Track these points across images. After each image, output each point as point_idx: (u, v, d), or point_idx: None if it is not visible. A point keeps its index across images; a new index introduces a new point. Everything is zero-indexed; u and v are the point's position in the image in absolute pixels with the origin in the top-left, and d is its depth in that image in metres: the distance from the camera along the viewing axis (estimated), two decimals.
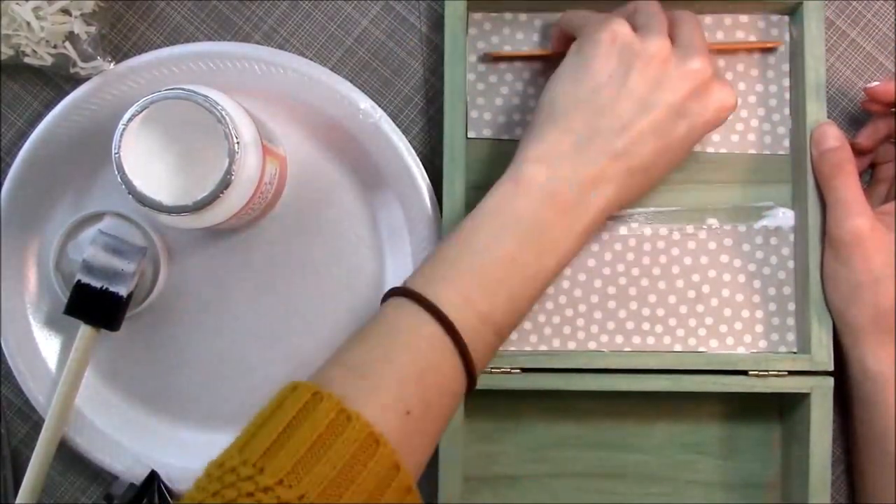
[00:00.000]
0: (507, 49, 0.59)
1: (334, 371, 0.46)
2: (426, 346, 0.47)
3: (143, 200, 0.50)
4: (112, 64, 0.58)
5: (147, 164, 0.51)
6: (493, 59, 0.59)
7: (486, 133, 0.59)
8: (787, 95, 0.59)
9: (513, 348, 0.58)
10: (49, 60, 0.57)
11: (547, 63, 0.59)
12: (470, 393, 0.49)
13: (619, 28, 0.52)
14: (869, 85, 0.57)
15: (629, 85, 0.51)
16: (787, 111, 0.59)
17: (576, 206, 0.51)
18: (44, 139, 0.58)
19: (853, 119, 0.61)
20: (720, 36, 0.59)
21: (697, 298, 0.58)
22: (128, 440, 0.60)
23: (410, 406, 0.45)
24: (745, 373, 0.56)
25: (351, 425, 0.42)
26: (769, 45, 0.59)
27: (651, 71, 0.51)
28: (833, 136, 0.55)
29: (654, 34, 0.52)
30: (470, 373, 0.48)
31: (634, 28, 0.52)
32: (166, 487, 0.58)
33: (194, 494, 0.41)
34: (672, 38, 0.53)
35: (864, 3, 0.61)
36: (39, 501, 0.60)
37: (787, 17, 0.59)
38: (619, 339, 0.58)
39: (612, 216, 0.57)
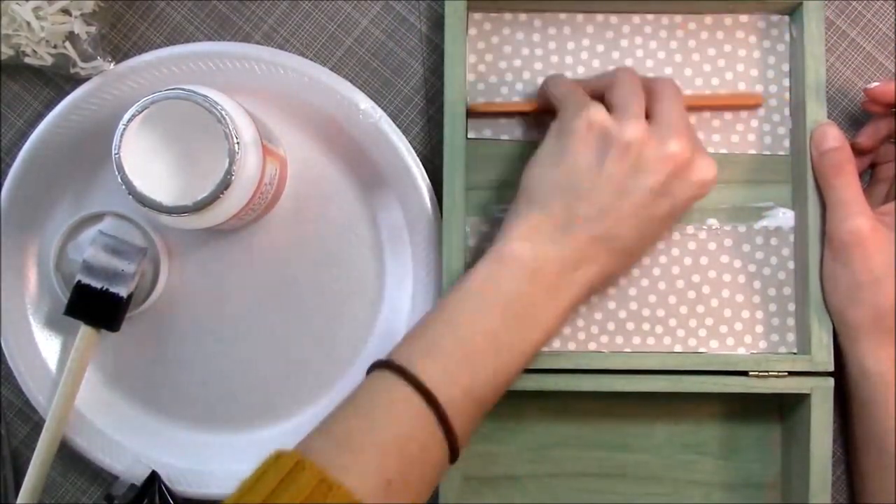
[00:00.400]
0: (507, 49, 0.59)
1: (317, 440, 0.47)
2: (408, 419, 0.48)
3: (143, 201, 0.50)
4: (112, 64, 0.58)
5: (147, 164, 0.51)
6: (478, 114, 0.59)
7: (486, 133, 0.59)
8: (788, 95, 0.59)
9: None
10: (49, 60, 0.57)
11: (546, 64, 0.59)
12: (452, 463, 0.49)
13: (595, 115, 0.52)
14: (869, 86, 0.56)
15: (606, 171, 0.51)
16: (787, 111, 0.59)
17: (559, 285, 0.52)
18: (44, 139, 0.58)
19: (853, 119, 0.61)
20: (720, 36, 0.59)
21: (697, 299, 0.58)
22: (128, 440, 0.60)
23: (391, 476, 0.46)
24: (745, 373, 0.56)
25: (332, 494, 0.43)
26: (749, 102, 0.59)
27: (628, 157, 0.51)
28: (833, 137, 0.55)
29: (630, 118, 0.52)
30: (452, 445, 0.48)
31: (611, 107, 0.53)
32: (166, 487, 0.58)
33: None
34: (650, 112, 0.53)
35: (864, 3, 0.61)
36: (40, 501, 0.60)
37: (787, 17, 0.59)
38: (620, 339, 0.58)
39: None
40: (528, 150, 0.59)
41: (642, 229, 0.53)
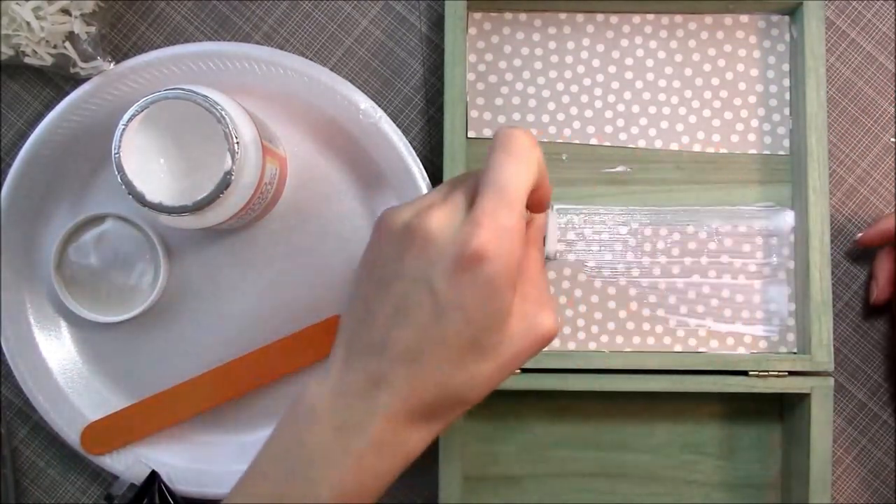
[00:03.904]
0: (507, 49, 0.60)
1: None
2: None
3: (142, 201, 0.50)
4: (112, 64, 0.58)
5: (147, 164, 0.51)
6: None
7: (486, 133, 0.59)
8: (788, 95, 0.59)
9: None
10: (49, 60, 0.57)
11: (546, 64, 0.59)
12: None
13: (384, 212, 0.46)
14: (857, 237, 0.59)
15: (374, 266, 0.44)
16: (787, 111, 0.59)
17: (349, 422, 0.42)
18: (44, 139, 0.58)
19: (852, 119, 0.61)
20: (720, 36, 0.59)
21: (697, 299, 0.59)
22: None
23: None
24: (745, 373, 0.56)
25: None
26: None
27: (386, 244, 0.44)
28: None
29: (395, 210, 0.45)
30: None
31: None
32: (166, 487, 0.58)
33: None
34: None
35: (864, 3, 0.61)
36: (40, 501, 0.60)
37: (787, 17, 0.59)
38: (620, 339, 0.58)
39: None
40: None
41: (418, 330, 0.42)
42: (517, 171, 0.42)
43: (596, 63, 0.60)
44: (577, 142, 0.59)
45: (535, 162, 0.43)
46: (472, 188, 0.43)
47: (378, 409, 0.42)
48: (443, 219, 0.42)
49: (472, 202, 0.43)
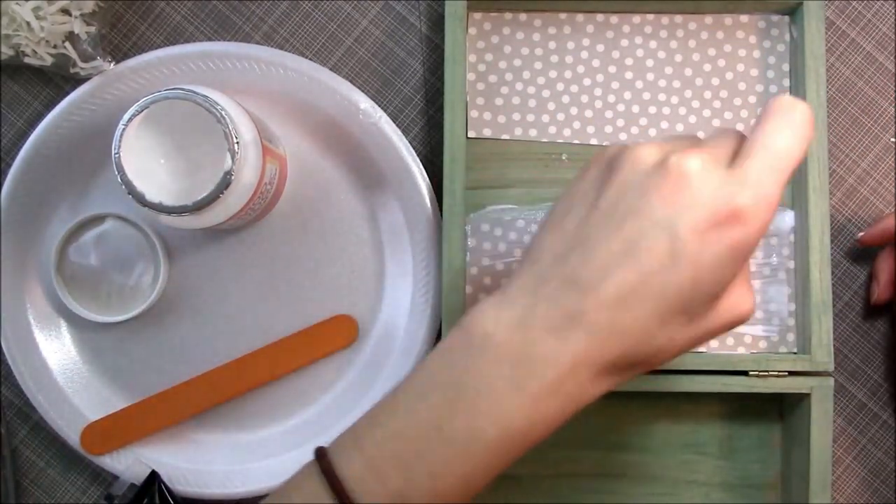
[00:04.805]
0: (507, 49, 0.59)
1: None
2: None
3: (142, 201, 0.50)
4: (112, 64, 0.58)
5: (147, 164, 0.51)
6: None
7: (486, 133, 0.59)
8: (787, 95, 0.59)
9: None
10: (49, 60, 0.57)
11: (546, 64, 0.59)
12: None
13: (613, 146, 0.42)
14: (858, 236, 0.59)
15: (602, 198, 0.40)
16: None
17: (529, 358, 0.39)
18: (44, 139, 0.58)
19: (852, 119, 0.61)
20: (720, 36, 0.59)
21: None
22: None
23: None
24: (745, 373, 0.56)
25: None
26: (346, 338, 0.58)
27: (626, 177, 0.40)
28: None
29: (652, 144, 0.41)
30: None
31: None
32: (166, 487, 0.58)
33: None
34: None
35: (864, 3, 0.61)
36: (39, 501, 0.60)
37: (787, 17, 0.59)
38: None
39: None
40: (528, 149, 0.59)
41: (639, 275, 0.39)
42: (794, 143, 0.40)
43: (596, 63, 0.60)
44: (577, 142, 0.59)
45: (807, 141, 0.40)
46: (735, 144, 0.41)
47: (567, 350, 0.39)
48: (703, 165, 0.39)
49: (732, 158, 0.40)
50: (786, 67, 0.59)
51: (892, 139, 0.59)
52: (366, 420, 0.42)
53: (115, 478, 0.59)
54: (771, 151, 0.40)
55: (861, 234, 0.59)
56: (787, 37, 0.59)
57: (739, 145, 0.41)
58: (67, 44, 0.57)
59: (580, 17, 0.60)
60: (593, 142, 0.59)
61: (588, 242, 0.40)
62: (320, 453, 0.42)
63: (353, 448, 0.41)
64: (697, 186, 0.38)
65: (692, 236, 0.38)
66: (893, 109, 0.61)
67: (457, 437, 0.39)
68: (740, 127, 0.59)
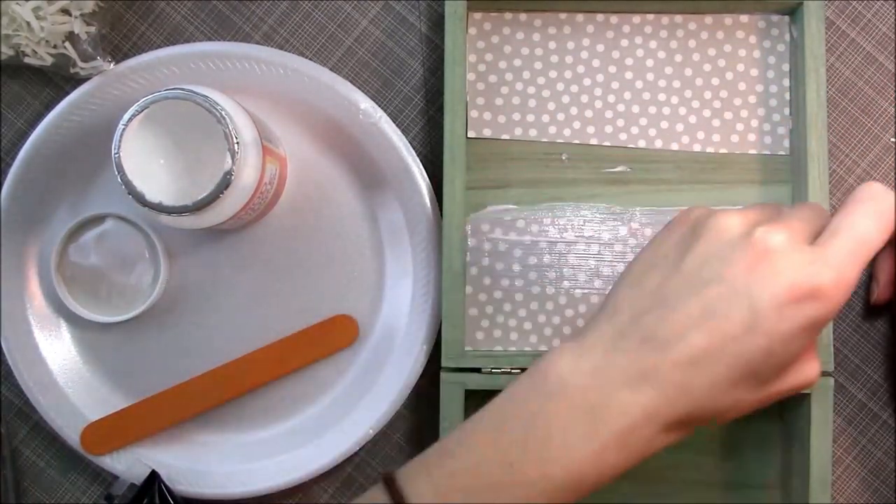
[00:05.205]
0: (507, 49, 0.60)
1: None
2: None
3: (142, 201, 0.50)
4: (112, 64, 0.58)
5: (147, 164, 0.51)
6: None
7: (486, 133, 0.59)
8: (788, 95, 0.59)
9: (513, 349, 0.58)
10: (49, 60, 0.57)
11: (546, 64, 0.59)
12: None
13: (697, 209, 0.45)
14: (872, 299, 0.58)
15: (685, 262, 0.42)
16: (787, 111, 0.59)
17: (602, 407, 0.41)
18: (44, 139, 0.58)
19: (852, 119, 0.61)
20: (720, 36, 0.59)
21: None
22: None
23: None
24: None
25: None
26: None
27: (711, 244, 0.42)
28: None
29: (737, 213, 0.43)
30: None
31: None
32: (166, 487, 0.58)
33: None
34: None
35: (864, 3, 0.61)
36: (39, 501, 0.60)
37: (787, 17, 0.59)
38: None
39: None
40: (528, 149, 0.59)
41: (715, 340, 0.41)
42: (878, 232, 0.42)
43: (596, 63, 0.60)
44: (577, 142, 0.59)
45: (890, 232, 0.43)
46: (817, 222, 0.43)
47: (639, 403, 0.41)
48: (787, 241, 0.41)
49: (814, 237, 0.42)
50: (786, 67, 0.59)
51: (892, 139, 0.59)
52: (436, 450, 0.43)
53: (115, 478, 0.59)
54: (855, 236, 0.42)
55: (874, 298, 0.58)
56: (787, 37, 0.59)
57: (823, 221, 0.43)
58: (67, 44, 0.57)
59: (580, 17, 0.60)
60: (593, 142, 0.59)
61: (668, 303, 0.42)
62: (388, 479, 0.42)
63: (423, 476, 0.42)
64: (780, 261, 0.41)
65: (771, 309, 0.40)
66: (893, 109, 0.61)
67: (527, 477, 0.41)
68: (740, 128, 0.59)
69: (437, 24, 0.61)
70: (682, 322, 0.41)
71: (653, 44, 0.60)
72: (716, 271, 0.41)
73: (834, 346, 0.57)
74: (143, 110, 0.50)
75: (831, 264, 0.41)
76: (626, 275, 0.44)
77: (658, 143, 0.59)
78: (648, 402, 0.41)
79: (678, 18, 0.60)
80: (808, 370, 0.44)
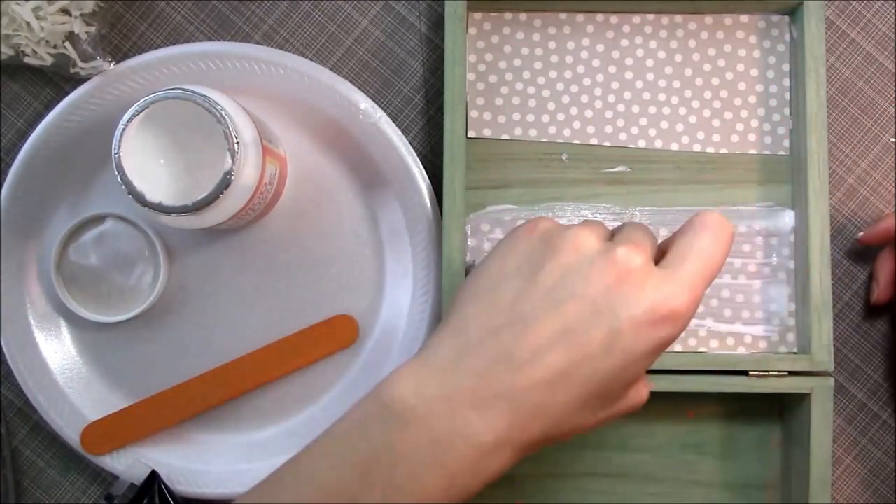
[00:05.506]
0: (507, 49, 0.60)
1: None
2: None
3: (142, 201, 0.50)
4: (112, 64, 0.58)
5: (147, 164, 0.51)
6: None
7: (486, 133, 0.60)
8: (787, 95, 0.59)
9: None
10: (49, 60, 0.57)
11: (546, 64, 0.59)
12: None
13: (543, 220, 0.44)
14: (858, 236, 0.59)
15: (540, 275, 0.41)
16: (787, 111, 0.59)
17: (451, 436, 0.39)
18: (44, 139, 0.58)
19: (852, 119, 0.61)
20: (720, 36, 0.59)
21: None
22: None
23: None
24: (745, 373, 0.56)
25: None
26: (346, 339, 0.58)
27: (568, 258, 0.41)
28: None
29: (589, 230, 0.43)
30: None
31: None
32: (166, 487, 0.58)
33: None
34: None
35: (864, 3, 0.61)
36: (39, 501, 0.60)
37: (787, 17, 0.59)
38: None
39: None
40: (528, 149, 0.59)
41: (573, 359, 0.40)
42: (722, 257, 0.43)
43: (596, 63, 0.60)
44: (577, 142, 0.60)
45: (726, 257, 0.44)
46: (651, 240, 0.44)
47: (491, 430, 0.39)
48: (645, 263, 0.41)
49: (655, 259, 0.43)
50: (786, 67, 0.59)
51: (892, 139, 0.59)
52: (266, 489, 0.41)
53: (115, 478, 0.59)
54: (704, 261, 0.42)
55: (861, 233, 0.59)
56: (787, 37, 0.59)
57: (654, 242, 0.44)
58: (67, 44, 0.57)
59: (580, 17, 0.60)
60: (593, 142, 0.59)
61: (525, 318, 0.40)
62: None
63: None
64: (641, 283, 0.41)
65: (631, 329, 0.40)
66: (893, 109, 0.61)
67: None
68: (740, 128, 0.59)
69: (437, 24, 0.61)
70: (540, 339, 0.40)
71: (653, 44, 0.60)
72: (576, 287, 0.40)
73: (834, 346, 0.57)
74: (143, 110, 0.50)
75: (686, 288, 0.41)
76: (471, 287, 0.42)
77: (658, 143, 0.59)
78: (501, 426, 0.39)
79: (678, 18, 0.60)
80: (643, 392, 0.45)
